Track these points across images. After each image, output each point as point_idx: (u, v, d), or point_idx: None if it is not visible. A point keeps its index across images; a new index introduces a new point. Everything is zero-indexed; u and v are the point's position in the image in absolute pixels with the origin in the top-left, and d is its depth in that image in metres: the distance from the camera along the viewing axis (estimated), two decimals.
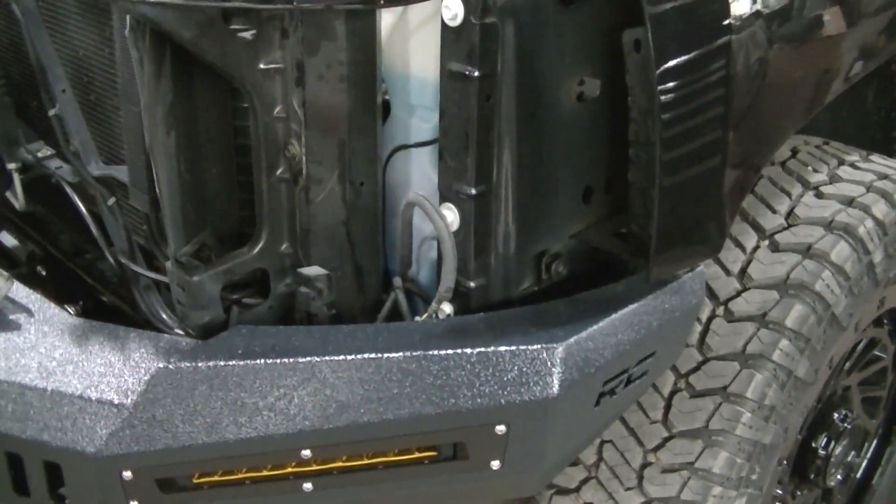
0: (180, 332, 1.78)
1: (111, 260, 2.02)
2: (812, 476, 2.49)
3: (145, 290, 1.98)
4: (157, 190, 1.69)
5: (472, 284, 1.69)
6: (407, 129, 1.76)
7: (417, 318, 1.71)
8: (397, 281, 1.79)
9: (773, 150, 1.92)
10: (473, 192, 1.62)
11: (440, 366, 1.53)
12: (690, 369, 2.03)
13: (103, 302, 2.21)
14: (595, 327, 1.59)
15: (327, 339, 1.59)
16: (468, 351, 1.54)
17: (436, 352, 1.54)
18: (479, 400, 1.53)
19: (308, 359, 1.55)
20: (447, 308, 1.71)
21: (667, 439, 2.04)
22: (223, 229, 1.78)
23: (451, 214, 1.66)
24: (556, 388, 1.53)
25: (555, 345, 1.54)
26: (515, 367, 1.53)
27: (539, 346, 1.54)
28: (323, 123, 1.65)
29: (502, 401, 1.53)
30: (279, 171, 1.70)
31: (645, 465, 2.08)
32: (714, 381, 2.00)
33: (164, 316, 1.94)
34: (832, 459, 2.48)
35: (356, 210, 1.74)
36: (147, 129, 1.63)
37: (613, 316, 1.63)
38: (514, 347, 1.54)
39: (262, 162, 1.68)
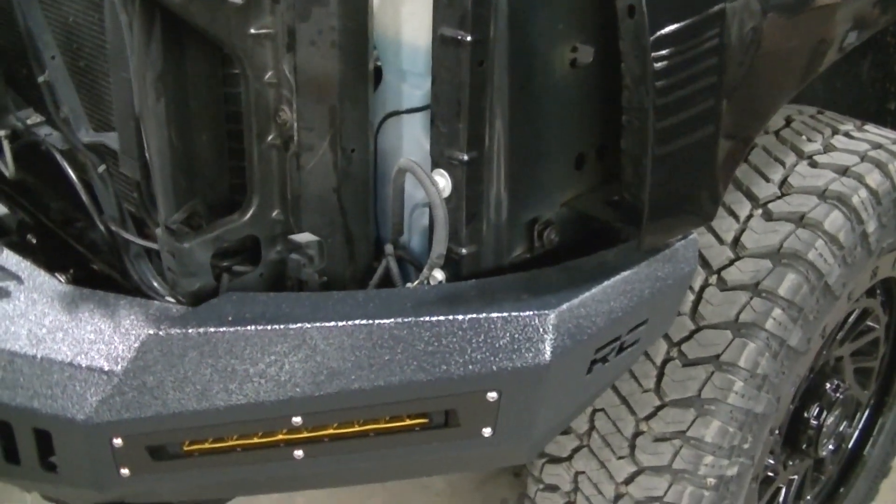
0: (171, 299, 1.76)
1: (101, 228, 2.00)
2: (804, 446, 2.51)
3: (136, 258, 1.97)
4: (148, 157, 1.67)
5: (464, 251, 1.68)
6: (399, 95, 1.75)
7: (409, 285, 1.70)
8: (389, 248, 1.78)
9: (766, 120, 1.91)
10: (465, 158, 1.61)
11: (431, 332, 1.53)
12: (683, 338, 2.05)
13: (94, 270, 2.20)
14: (587, 294, 1.59)
15: (318, 306, 1.58)
16: (460, 317, 1.53)
17: (427, 318, 1.53)
18: (470, 367, 1.52)
19: (298, 325, 1.54)
20: (439, 275, 1.70)
21: (659, 408, 2.07)
22: (214, 197, 1.76)
23: (442, 181, 1.65)
24: (547, 355, 1.52)
25: (547, 311, 1.54)
26: (507, 334, 1.53)
27: (531, 313, 1.53)
28: (314, 90, 1.63)
29: (494, 367, 1.52)
30: (270, 138, 1.69)
31: (637, 434, 2.10)
32: (706, 349, 2.01)
33: (155, 283, 1.93)
34: (824, 430, 2.50)
35: (347, 177, 1.72)
36: (137, 96, 1.61)
37: (605, 283, 1.62)
38: (505, 314, 1.53)
39: (253, 128, 1.67)
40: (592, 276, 1.64)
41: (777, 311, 1.99)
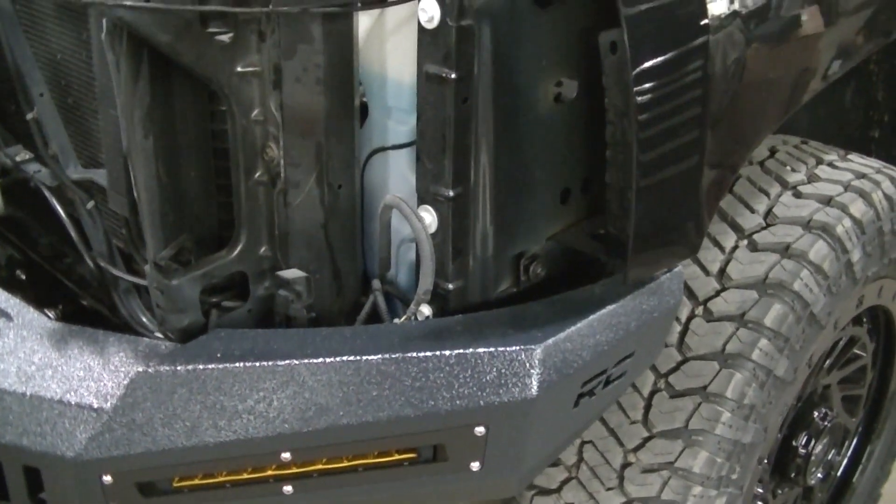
0: (160, 335, 1.77)
1: (90, 264, 2.01)
2: (793, 475, 2.51)
3: (125, 294, 1.98)
4: (136, 193, 1.68)
5: (451, 286, 1.69)
6: (384, 131, 1.76)
7: (396, 320, 1.71)
8: (376, 283, 1.78)
9: (750, 150, 1.93)
10: (451, 193, 1.62)
11: (419, 368, 1.54)
12: (670, 369, 2.03)
13: (83, 306, 2.20)
14: (573, 328, 1.60)
15: (306, 342, 1.59)
16: (447, 353, 1.54)
17: (414, 354, 1.54)
18: (458, 401, 1.53)
19: (287, 362, 1.55)
20: (426, 310, 1.71)
21: (647, 439, 2.05)
22: (202, 233, 1.76)
23: (428, 216, 1.66)
24: (534, 390, 1.53)
25: (533, 346, 1.55)
26: (494, 369, 1.54)
27: (517, 348, 1.54)
28: (300, 126, 1.64)
29: (481, 402, 1.53)
30: (257, 175, 1.70)
31: (625, 465, 2.08)
32: (694, 380, 2.00)
33: (144, 319, 1.94)
34: (812, 458, 2.50)
35: (334, 213, 1.73)
36: (124, 133, 1.62)
37: (591, 317, 1.63)
38: (492, 349, 1.54)
39: (240, 165, 1.68)
40: (578, 310, 1.65)
41: (763, 342, 1.98)
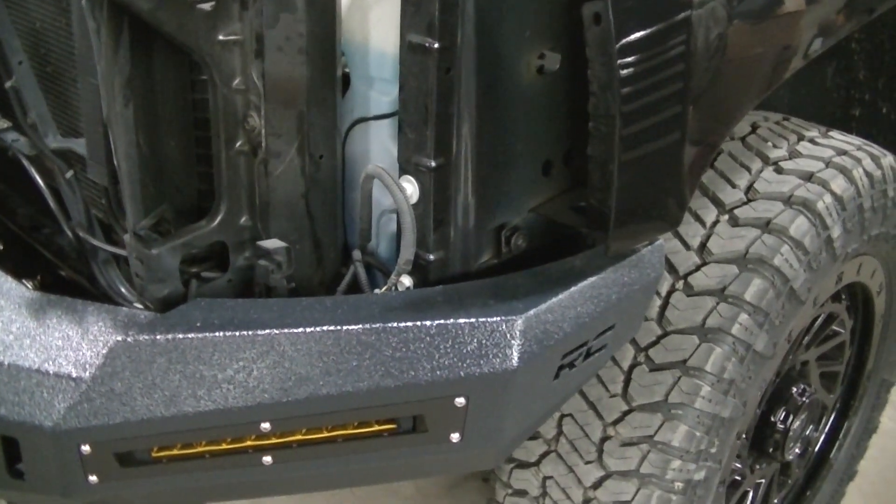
0: (139, 305, 1.76)
1: (69, 234, 1.99)
2: (770, 450, 2.52)
3: (104, 265, 1.96)
4: (116, 163, 1.67)
5: (432, 257, 1.68)
6: (366, 101, 1.75)
7: (377, 291, 1.71)
8: (357, 254, 1.78)
9: (732, 126, 1.93)
10: (433, 164, 1.61)
11: (399, 338, 1.53)
12: (650, 343, 2.05)
13: (62, 276, 2.19)
14: (554, 300, 1.60)
15: (286, 312, 1.58)
16: (427, 323, 1.54)
17: (395, 324, 1.53)
18: (438, 372, 1.53)
19: (267, 331, 1.54)
20: (407, 281, 1.71)
21: (626, 413, 2.07)
22: (182, 203, 1.75)
23: (410, 187, 1.65)
24: (515, 361, 1.53)
25: (514, 317, 1.55)
26: (475, 340, 1.53)
27: (498, 319, 1.54)
28: (282, 96, 1.63)
29: (461, 373, 1.53)
30: (238, 144, 1.68)
31: (605, 439, 2.10)
32: (673, 354, 2.02)
33: (123, 290, 1.93)
34: (790, 433, 2.51)
35: (315, 183, 1.72)
36: (104, 101, 1.61)
37: (572, 289, 1.63)
38: (473, 320, 1.54)
39: (221, 134, 1.66)
40: (559, 282, 1.65)
41: (743, 317, 2.00)
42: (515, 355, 1.53)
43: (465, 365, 1.53)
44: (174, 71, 1.66)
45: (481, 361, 1.53)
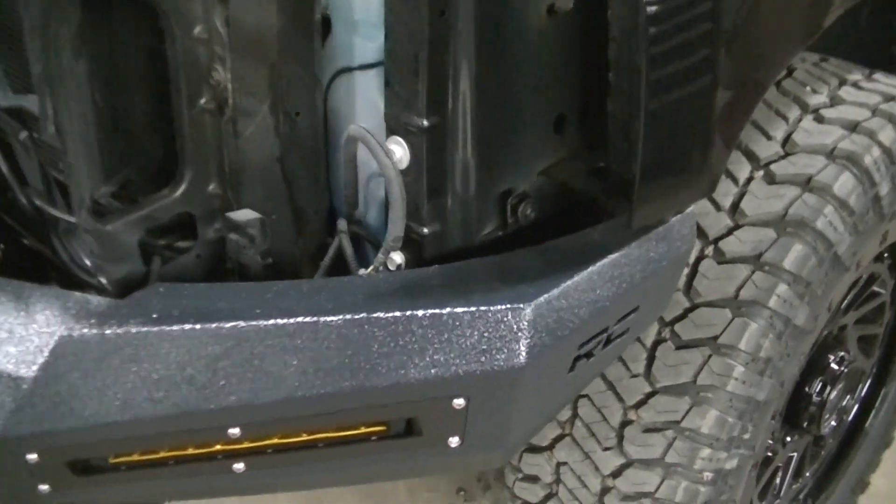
0: (105, 280, 1.59)
1: (24, 201, 1.79)
2: (805, 424, 2.32)
3: (65, 234, 1.76)
4: (68, 122, 1.51)
5: (426, 231, 1.46)
6: (350, 49, 1.55)
7: (362, 271, 1.49)
8: (341, 224, 1.59)
9: (773, 75, 1.69)
10: (425, 123, 1.39)
11: (387, 331, 1.31)
12: (676, 317, 1.84)
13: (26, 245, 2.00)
14: (569, 283, 1.36)
15: (256, 300, 1.36)
16: (419, 313, 1.31)
17: (381, 314, 1.31)
18: (432, 370, 1.31)
19: (233, 324, 1.32)
20: (398, 258, 1.50)
21: (650, 395, 1.87)
22: (147, 167, 1.63)
23: (399, 150, 1.43)
24: (523, 357, 1.31)
25: (522, 305, 1.31)
26: (475, 332, 1.31)
27: (503, 307, 1.31)
28: (250, 45, 1.47)
29: (460, 371, 1.31)
30: (202, 101, 1.53)
31: (625, 424, 1.92)
32: (703, 330, 1.81)
33: (88, 262, 1.73)
34: (827, 405, 2.30)
35: (292, 144, 1.55)
36: (51, 53, 1.45)
37: (590, 269, 1.40)
38: (473, 308, 1.31)
39: (183, 90, 1.50)
40: (575, 260, 1.41)
41: (782, 287, 1.79)
42: (523, 350, 1.31)
43: (464, 362, 1.31)
44: (130, 19, 1.52)
45: (483, 357, 1.31)
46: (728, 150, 1.56)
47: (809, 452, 2.56)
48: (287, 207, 1.59)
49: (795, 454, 2.49)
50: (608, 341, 1.47)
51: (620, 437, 1.91)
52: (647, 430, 1.87)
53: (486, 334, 1.31)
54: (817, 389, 2.28)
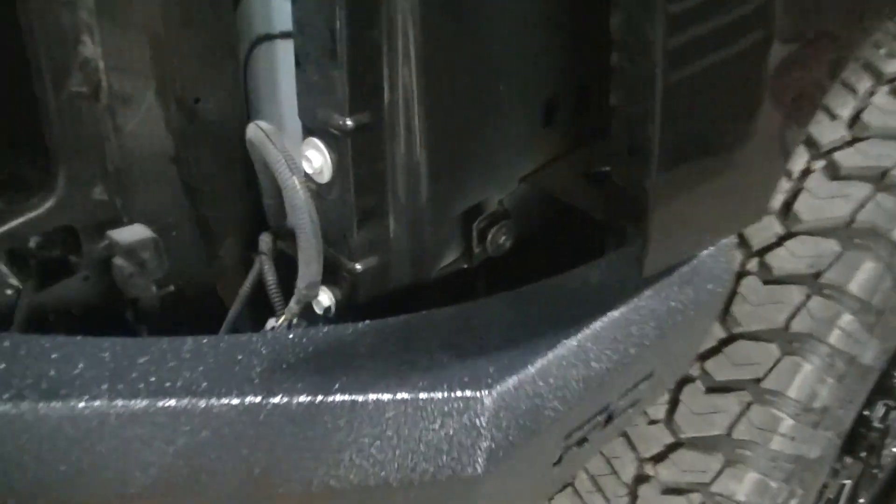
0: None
1: None
2: (864, 454, 2.00)
3: None
4: None
5: (359, 267, 1.07)
6: (268, 11, 1.25)
7: (271, 321, 1.11)
8: (263, 240, 1.23)
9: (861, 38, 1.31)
10: (349, 123, 0.99)
11: (291, 421, 0.93)
12: (708, 350, 1.55)
13: None
14: (550, 355, 0.96)
15: (105, 368, 0.98)
16: (333, 399, 0.92)
17: (278, 399, 0.92)
18: (351, 476, 0.93)
19: (73, 403, 0.94)
20: (326, 300, 1.12)
21: (671, 448, 1.59)
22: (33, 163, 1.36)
23: (318, 157, 1.04)
24: (480, 465, 0.92)
25: (480, 392, 0.92)
26: (412, 429, 0.92)
27: (454, 395, 0.92)
28: (124, 9, 1.18)
29: (390, 480, 0.93)
30: (72, 84, 1.24)
31: (640, 479, 1.64)
32: (742, 370, 1.53)
33: None
34: (890, 432, 1.97)
35: (193, 139, 1.28)
36: None
37: (584, 331, 0.99)
38: (407, 395, 0.92)
39: (45, 70, 1.22)
40: (562, 317, 1.01)
41: (846, 317, 1.49)
42: (481, 456, 0.92)
43: (394, 469, 0.92)
44: None
45: (423, 463, 0.92)
46: (788, 153, 1.15)
47: (867, 476, 2.22)
48: (190, 220, 1.32)
49: (849, 481, 2.15)
50: (609, 420, 1.08)
51: (633, 496, 1.64)
52: (668, 491, 1.59)
53: (428, 433, 0.92)
54: (880, 416, 1.93)
